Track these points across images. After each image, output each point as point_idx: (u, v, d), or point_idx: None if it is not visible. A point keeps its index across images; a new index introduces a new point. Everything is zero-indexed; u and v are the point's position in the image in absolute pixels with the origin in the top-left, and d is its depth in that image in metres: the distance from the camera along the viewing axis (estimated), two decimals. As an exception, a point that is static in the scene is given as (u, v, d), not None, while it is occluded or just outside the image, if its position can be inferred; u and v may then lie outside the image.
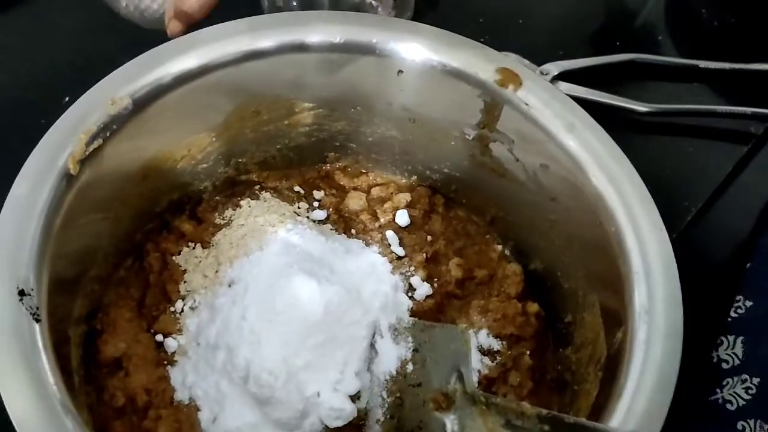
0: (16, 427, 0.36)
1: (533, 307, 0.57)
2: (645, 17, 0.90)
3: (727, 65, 0.79)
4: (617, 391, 0.42)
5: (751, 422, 0.53)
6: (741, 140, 0.76)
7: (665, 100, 0.76)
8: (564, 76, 0.76)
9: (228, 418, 0.48)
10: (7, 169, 0.60)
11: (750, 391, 0.55)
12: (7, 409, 0.36)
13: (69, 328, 0.46)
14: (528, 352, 0.55)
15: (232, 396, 0.48)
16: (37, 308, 0.40)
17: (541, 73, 0.75)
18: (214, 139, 0.55)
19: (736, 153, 0.75)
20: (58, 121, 0.47)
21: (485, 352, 0.55)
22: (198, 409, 0.49)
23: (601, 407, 0.43)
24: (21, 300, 0.39)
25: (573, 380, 0.51)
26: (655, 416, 0.40)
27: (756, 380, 0.55)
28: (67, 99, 0.67)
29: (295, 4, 0.73)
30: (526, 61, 0.76)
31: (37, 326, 0.39)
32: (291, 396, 0.47)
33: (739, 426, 0.53)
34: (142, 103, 0.49)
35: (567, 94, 0.54)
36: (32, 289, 0.40)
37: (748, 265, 0.62)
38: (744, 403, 0.55)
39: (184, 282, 0.54)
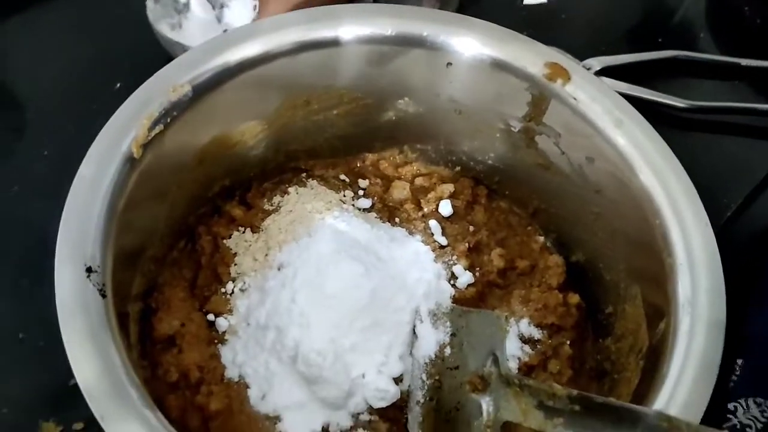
0: (85, 396, 0.38)
1: (574, 298, 0.58)
2: (685, 14, 0.90)
3: (768, 64, 0.80)
4: (659, 380, 0.43)
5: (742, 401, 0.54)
6: (782, 137, 0.76)
7: (706, 97, 0.77)
8: (606, 72, 0.77)
9: (276, 396, 0.50)
10: (63, 154, 0.64)
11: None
12: (77, 379, 0.39)
13: (128, 305, 0.49)
14: (568, 342, 0.56)
15: (281, 375, 0.51)
16: (103, 284, 0.42)
17: (584, 69, 0.76)
18: (266, 126, 0.57)
19: (777, 150, 0.76)
20: (122, 106, 0.49)
21: (526, 340, 0.56)
22: (247, 387, 0.51)
23: (641, 396, 0.45)
24: (88, 276, 0.42)
25: (612, 369, 0.52)
26: (697, 405, 0.42)
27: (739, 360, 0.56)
28: (118, 85, 0.71)
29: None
30: (569, 56, 0.77)
31: (102, 301, 0.42)
32: (338, 376, 0.49)
33: (730, 407, 0.54)
34: (201, 91, 0.51)
35: (609, 90, 0.55)
36: (98, 266, 0.42)
37: None
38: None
39: (235, 264, 0.56)
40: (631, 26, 0.88)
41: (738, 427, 0.54)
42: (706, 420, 0.54)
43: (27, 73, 0.73)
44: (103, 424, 0.37)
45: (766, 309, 0.59)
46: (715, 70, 0.81)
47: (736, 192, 0.72)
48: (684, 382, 0.42)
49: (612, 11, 0.89)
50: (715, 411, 0.54)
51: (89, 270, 0.42)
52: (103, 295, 0.41)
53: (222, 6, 0.73)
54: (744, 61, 0.81)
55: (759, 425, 0.54)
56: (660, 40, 0.84)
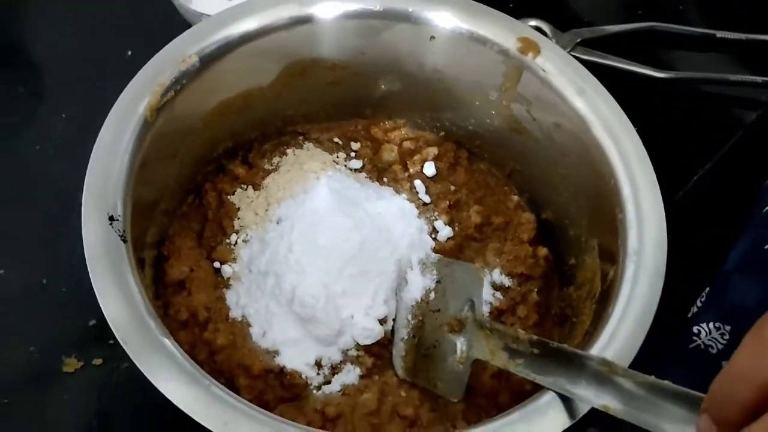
0: (111, 325, 0.44)
1: (542, 251, 0.63)
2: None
3: (743, 36, 0.83)
4: (605, 319, 0.48)
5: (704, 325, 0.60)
6: (751, 107, 0.80)
7: (682, 67, 0.80)
8: (586, 43, 0.80)
9: (275, 333, 0.55)
10: (80, 117, 0.69)
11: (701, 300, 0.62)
12: (103, 311, 0.44)
13: (144, 252, 0.54)
14: (535, 290, 0.61)
15: (279, 315, 0.56)
16: (124, 231, 0.48)
17: (566, 40, 0.79)
18: (265, 94, 0.62)
19: (746, 119, 0.79)
20: (137, 74, 0.54)
21: (497, 287, 0.61)
22: (249, 325, 0.56)
23: (591, 334, 0.50)
24: (111, 224, 0.47)
25: (572, 314, 0.58)
26: (634, 341, 0.47)
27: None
28: (129, 53, 0.75)
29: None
30: (551, 26, 0.81)
31: (124, 246, 0.47)
32: (329, 316, 0.55)
33: (694, 329, 0.60)
34: (207, 61, 0.56)
35: (588, 60, 0.60)
36: (119, 215, 0.48)
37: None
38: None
39: (238, 218, 0.61)
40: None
41: (702, 347, 0.59)
42: (671, 340, 0.59)
43: (46, 41, 0.76)
44: (126, 348, 0.43)
45: (738, 247, 0.63)
46: (690, 41, 0.84)
47: (706, 157, 0.75)
48: (626, 321, 0.48)
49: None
50: (680, 333, 0.61)
51: (111, 218, 0.47)
52: (124, 240, 0.47)
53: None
54: (719, 33, 0.84)
55: (720, 346, 0.59)
56: (639, 12, 0.86)
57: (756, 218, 0.63)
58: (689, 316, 0.61)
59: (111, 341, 0.56)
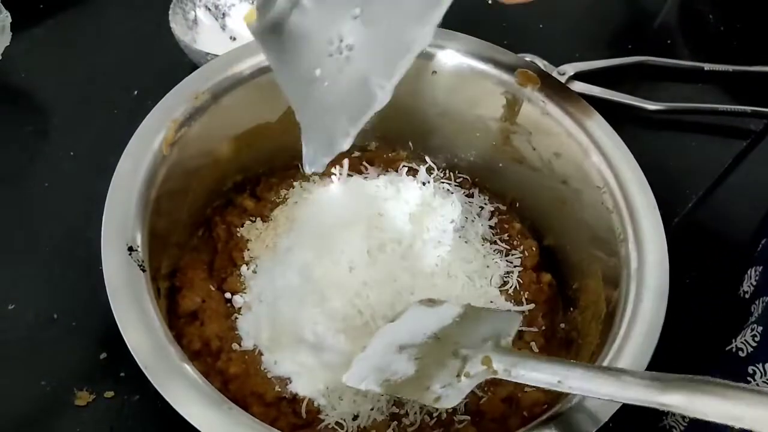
0: (132, 351, 0.45)
1: (546, 277, 0.64)
2: (657, 22, 0.96)
3: (730, 67, 0.86)
4: (611, 339, 0.50)
5: (759, 365, 0.56)
6: (741, 136, 0.83)
7: (673, 99, 0.83)
8: (580, 76, 0.83)
9: (287, 362, 0.57)
10: (88, 154, 0.70)
11: (756, 339, 0.57)
12: (125, 340, 0.45)
13: (159, 282, 0.55)
14: (541, 315, 0.63)
15: (290, 343, 0.57)
16: (143, 261, 0.49)
17: (558, 74, 0.82)
18: (274, 129, 0.64)
19: (736, 147, 0.82)
20: (151, 111, 0.56)
21: (503, 313, 0.63)
22: (261, 354, 0.57)
23: (596, 354, 0.51)
24: (130, 254, 0.49)
25: (578, 336, 0.59)
26: (642, 359, 0.48)
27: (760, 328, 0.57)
28: (136, 92, 0.77)
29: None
30: (545, 62, 0.83)
31: (143, 275, 0.49)
32: (340, 344, 0.56)
33: (749, 370, 0.56)
34: (219, 97, 0.58)
35: (582, 93, 0.62)
36: (138, 246, 0.49)
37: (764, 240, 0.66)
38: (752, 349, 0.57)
39: (248, 249, 0.63)
40: (604, 35, 0.94)
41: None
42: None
43: (52, 79, 0.78)
44: (147, 373, 0.44)
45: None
46: (680, 74, 0.87)
47: (699, 184, 0.78)
48: (632, 339, 0.49)
49: (586, 20, 0.95)
50: (732, 371, 0.57)
51: (130, 249, 0.49)
52: (143, 270, 0.48)
53: (224, 15, 0.81)
54: (707, 66, 0.87)
55: None
56: (630, 46, 0.89)
57: None
58: (743, 355, 0.57)
59: (122, 374, 0.58)
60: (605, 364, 0.48)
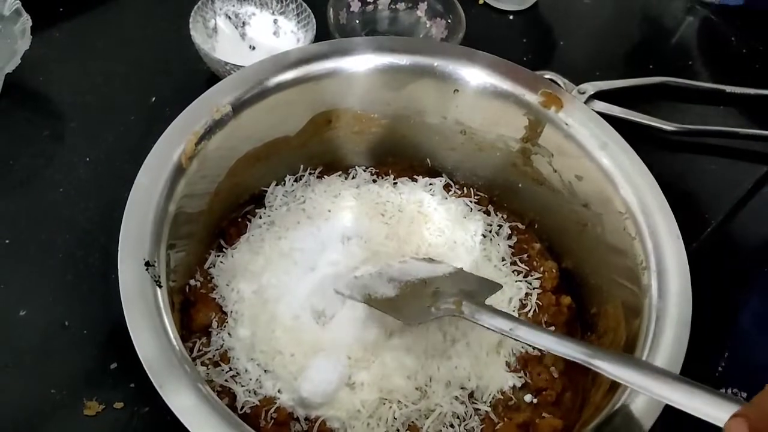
0: (146, 369, 0.44)
1: (566, 299, 0.64)
2: (677, 42, 0.96)
3: (752, 90, 0.86)
4: None
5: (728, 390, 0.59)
6: (761, 160, 0.82)
7: (692, 120, 0.82)
8: (599, 95, 0.83)
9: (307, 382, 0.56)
10: (104, 160, 0.70)
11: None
12: (139, 355, 0.45)
13: (173, 296, 0.55)
14: None
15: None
16: (159, 276, 0.48)
17: (579, 92, 0.82)
18: (292, 143, 0.64)
19: (756, 172, 0.82)
20: (172, 123, 0.56)
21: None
22: None
23: (616, 384, 0.50)
24: (147, 269, 0.48)
25: None
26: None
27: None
28: (153, 99, 0.77)
29: (357, 22, 0.81)
30: (565, 80, 0.83)
31: (159, 291, 0.48)
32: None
33: None
34: (239, 110, 0.58)
35: (601, 113, 0.61)
36: (155, 261, 0.49)
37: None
38: None
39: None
40: (625, 53, 0.93)
41: None
42: None
43: (70, 84, 0.78)
44: (161, 392, 0.43)
45: (748, 309, 0.64)
46: (701, 96, 0.86)
47: (718, 208, 0.77)
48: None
49: (607, 39, 0.95)
50: None
51: (147, 264, 0.48)
52: (160, 286, 0.48)
53: (244, 24, 0.81)
54: (729, 88, 0.86)
55: None
56: (651, 66, 0.89)
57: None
58: (717, 376, 0.60)
59: (132, 384, 0.58)
60: (626, 395, 0.47)
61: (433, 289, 0.56)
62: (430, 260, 0.61)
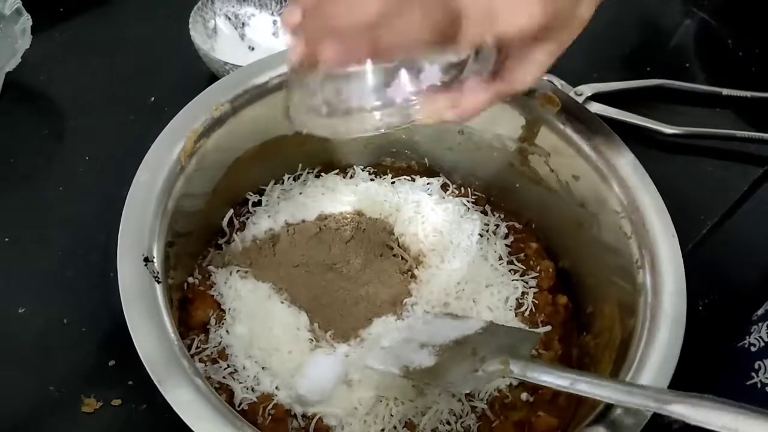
0: (145, 365, 0.45)
1: (562, 299, 0.64)
2: (674, 45, 0.96)
3: (748, 93, 0.85)
4: (626, 367, 0.49)
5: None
6: (757, 163, 0.82)
7: (689, 123, 0.82)
8: (596, 98, 0.82)
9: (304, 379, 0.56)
10: (104, 159, 0.70)
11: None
12: (138, 350, 0.45)
13: (171, 292, 0.55)
14: (557, 338, 0.62)
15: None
16: (158, 272, 0.49)
17: (576, 94, 0.81)
18: (291, 142, 0.64)
19: (752, 174, 0.81)
20: (171, 121, 0.56)
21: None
22: None
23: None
24: (146, 265, 0.48)
25: (590, 362, 0.58)
26: (659, 385, 0.48)
27: None
28: (153, 99, 0.77)
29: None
30: (562, 82, 0.83)
31: (158, 287, 0.48)
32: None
33: (756, 365, 0.55)
34: (238, 109, 0.58)
35: (598, 114, 0.62)
36: (154, 257, 0.49)
37: None
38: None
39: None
40: (623, 55, 0.93)
41: (758, 385, 0.55)
42: (730, 367, 0.57)
43: (70, 83, 0.78)
44: (160, 387, 0.44)
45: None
46: (698, 98, 0.86)
47: (714, 210, 0.77)
48: (647, 368, 0.48)
49: (605, 41, 0.94)
50: (740, 363, 0.57)
51: (146, 260, 0.48)
52: (158, 281, 0.48)
53: (243, 25, 0.82)
54: (725, 91, 0.86)
55: None
56: (648, 69, 0.89)
57: None
58: (753, 349, 0.57)
59: (130, 382, 0.58)
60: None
61: (470, 350, 0.53)
62: (455, 316, 0.59)
